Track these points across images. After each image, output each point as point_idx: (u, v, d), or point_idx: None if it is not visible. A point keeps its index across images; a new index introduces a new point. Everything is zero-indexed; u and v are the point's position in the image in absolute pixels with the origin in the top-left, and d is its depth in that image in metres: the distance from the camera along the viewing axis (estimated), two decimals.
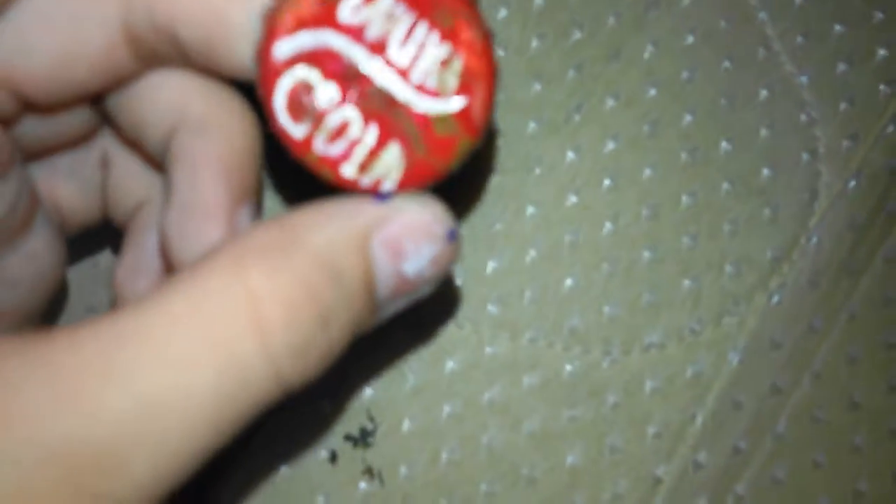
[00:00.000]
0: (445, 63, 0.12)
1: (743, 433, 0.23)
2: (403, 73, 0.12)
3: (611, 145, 0.24)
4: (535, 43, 0.25)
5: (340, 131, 0.13)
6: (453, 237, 0.14)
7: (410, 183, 0.13)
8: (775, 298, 0.24)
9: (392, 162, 0.13)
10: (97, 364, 0.11)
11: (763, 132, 0.25)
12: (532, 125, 0.24)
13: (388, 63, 0.12)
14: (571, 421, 0.23)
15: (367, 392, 0.23)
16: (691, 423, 0.23)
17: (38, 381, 0.11)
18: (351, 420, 0.22)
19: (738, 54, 0.25)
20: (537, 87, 0.25)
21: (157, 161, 0.16)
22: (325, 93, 0.12)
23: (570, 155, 0.24)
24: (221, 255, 0.12)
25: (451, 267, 0.14)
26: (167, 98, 0.15)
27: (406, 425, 0.23)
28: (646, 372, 0.23)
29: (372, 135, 0.13)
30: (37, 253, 0.16)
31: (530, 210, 0.24)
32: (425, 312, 0.23)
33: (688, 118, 0.25)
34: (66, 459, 0.11)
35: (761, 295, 0.24)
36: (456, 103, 0.13)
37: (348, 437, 0.22)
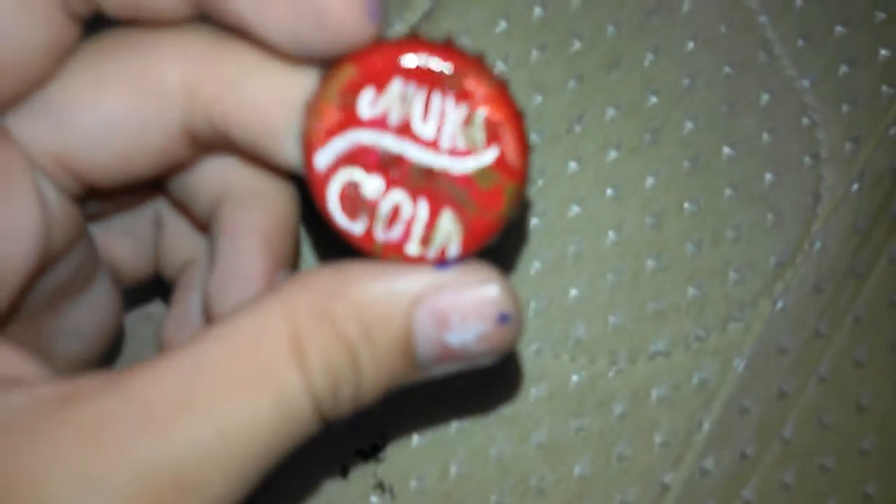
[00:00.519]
0: (468, 121, 0.13)
1: (750, 438, 0.23)
2: (433, 144, 0.13)
3: (612, 154, 0.25)
4: (535, 54, 0.25)
5: (394, 216, 0.14)
6: (505, 320, 0.14)
7: (474, 242, 0.14)
8: (780, 304, 0.24)
9: (449, 228, 0.14)
10: (177, 395, 0.13)
11: (765, 137, 0.25)
12: (533, 137, 0.25)
13: (417, 140, 0.13)
14: (579, 431, 0.23)
15: (378, 408, 0.23)
16: (698, 429, 0.23)
17: (128, 413, 0.12)
18: (362, 435, 0.23)
19: (738, 59, 0.26)
20: (538, 98, 0.25)
21: (204, 225, 0.17)
22: (371, 185, 0.13)
23: (573, 165, 0.25)
24: (279, 294, 0.13)
25: (509, 345, 0.15)
26: (214, 174, 0.16)
27: (416, 440, 0.23)
28: (652, 380, 0.24)
29: (423, 209, 0.13)
30: (98, 305, 0.18)
31: (534, 221, 0.24)
32: None
33: (689, 125, 0.25)
34: (155, 482, 0.12)
35: (766, 301, 0.24)
36: (490, 155, 0.13)
37: (359, 452, 0.23)
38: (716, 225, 0.24)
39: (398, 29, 0.25)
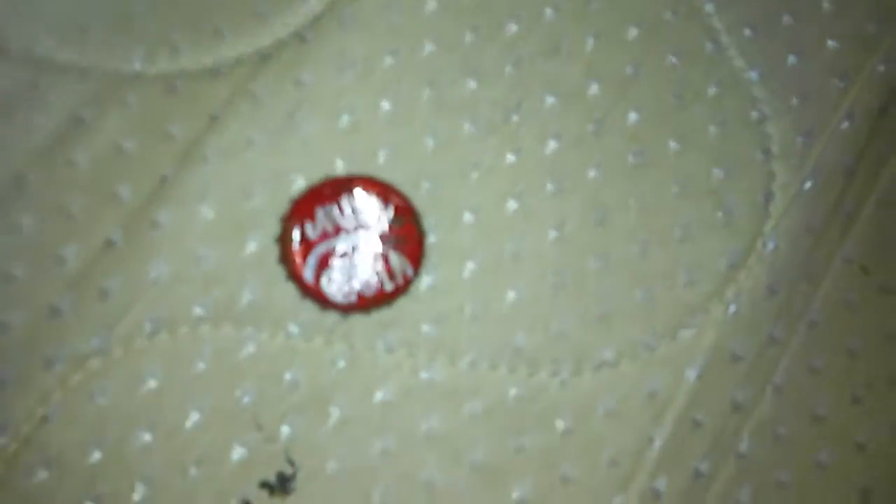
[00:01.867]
0: (366, 202, 0.21)
1: (704, 455, 0.22)
2: (358, 227, 0.21)
3: (553, 146, 0.23)
4: (468, 37, 0.23)
5: (367, 278, 0.21)
6: None
7: (417, 260, 0.21)
8: (732, 308, 0.23)
9: (398, 262, 0.21)
10: None
11: (713, 130, 0.24)
12: (467, 126, 0.23)
13: (349, 232, 0.21)
14: (518, 451, 0.21)
15: (285, 430, 0.20)
16: (648, 446, 0.22)
17: None
18: (267, 464, 0.20)
19: (684, 48, 0.24)
20: (472, 84, 0.23)
21: None
22: (343, 271, 0.21)
23: (510, 157, 0.23)
24: None
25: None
26: None
27: (331, 466, 0.20)
28: (598, 393, 0.22)
29: (378, 263, 0.21)
30: None
31: (467, 218, 0.22)
32: (351, 334, 0.21)
33: (633, 116, 0.24)
34: None
35: (718, 305, 0.23)
36: (391, 208, 0.21)
37: (264, 485, 0.20)
38: (663, 223, 0.23)
39: (311, 4, 0.23)
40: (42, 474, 0.19)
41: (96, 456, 0.19)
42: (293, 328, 0.21)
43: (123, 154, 0.20)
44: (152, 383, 0.20)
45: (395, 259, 0.21)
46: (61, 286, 0.20)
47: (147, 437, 0.19)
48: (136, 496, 0.19)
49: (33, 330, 0.19)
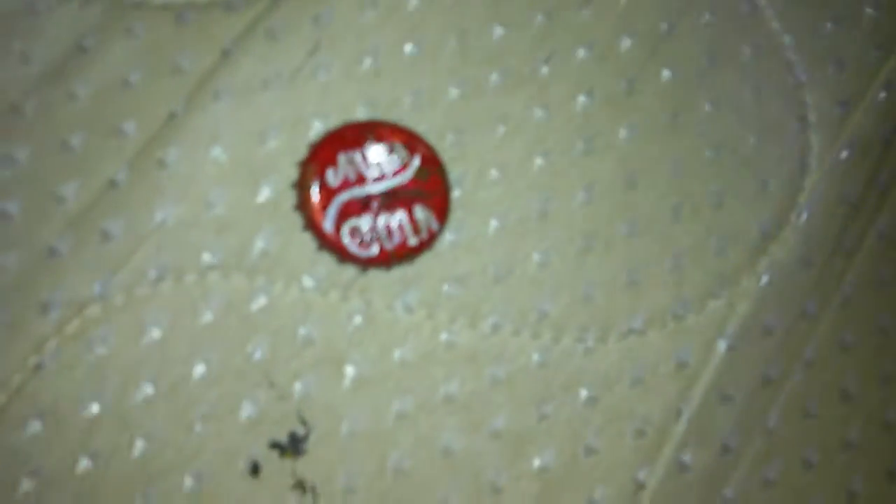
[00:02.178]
0: (391, 150, 0.20)
1: (732, 430, 0.21)
2: (383, 176, 0.19)
3: (583, 102, 0.22)
4: None
5: (389, 230, 0.19)
6: None
7: (442, 214, 0.20)
8: (765, 279, 0.22)
9: (423, 215, 0.20)
10: None
11: (747, 94, 0.23)
12: (495, 76, 0.22)
13: (371, 180, 0.19)
14: (541, 419, 0.20)
15: (298, 388, 0.19)
16: (676, 419, 0.21)
17: None
18: (278, 423, 0.19)
19: (720, 6, 0.23)
20: (500, 31, 0.22)
21: None
22: (365, 222, 0.19)
23: (538, 112, 0.22)
24: None
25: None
26: None
27: (346, 427, 0.19)
28: (624, 362, 0.21)
29: (402, 215, 0.19)
30: None
31: (493, 173, 0.21)
32: (369, 291, 0.20)
33: (666, 74, 0.23)
34: None
35: (750, 276, 0.22)
36: (416, 159, 0.20)
37: (275, 445, 0.19)
38: (695, 189, 0.22)
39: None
40: (34, 427, 0.18)
41: (93, 409, 0.18)
42: (308, 281, 0.19)
43: (129, 87, 0.19)
44: (156, 333, 0.18)
45: (420, 212, 0.20)
46: (60, 226, 0.18)
47: (149, 389, 0.18)
48: (136, 452, 0.18)
49: (28, 272, 0.18)
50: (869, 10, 0.24)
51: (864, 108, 0.23)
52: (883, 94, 0.24)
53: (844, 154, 0.23)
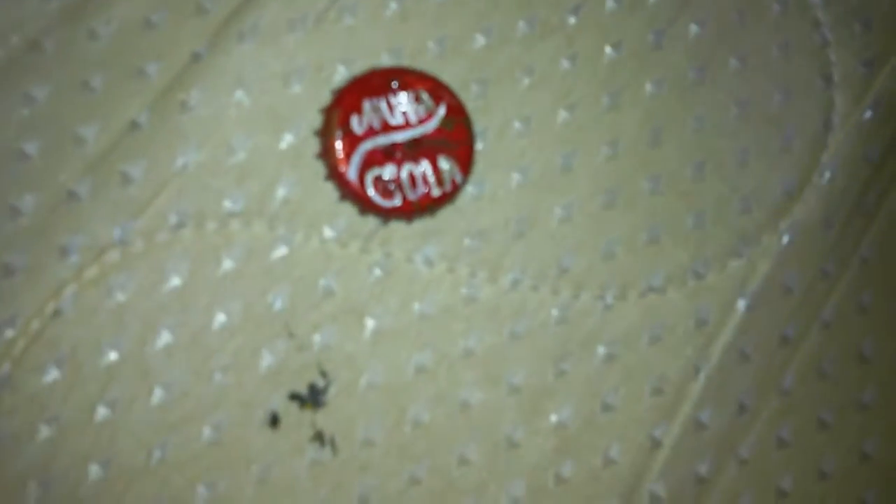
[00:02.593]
0: (418, 99, 0.19)
1: (749, 389, 0.21)
2: (407, 125, 0.19)
3: (610, 54, 0.22)
4: None
5: (413, 180, 0.19)
6: None
7: (467, 165, 0.20)
8: (786, 239, 0.22)
9: (448, 166, 0.19)
10: None
11: (775, 52, 0.23)
12: (522, 25, 0.21)
13: (396, 128, 0.19)
14: (559, 375, 0.20)
15: (317, 340, 0.19)
16: (694, 377, 0.21)
17: None
18: (297, 375, 0.19)
19: None
20: None
21: None
22: (388, 171, 0.19)
23: (564, 63, 0.22)
24: None
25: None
26: None
27: (365, 380, 0.19)
28: (643, 320, 0.21)
29: (426, 165, 0.19)
30: None
31: (516, 126, 0.21)
32: (389, 243, 0.20)
33: (694, 29, 0.23)
34: None
35: (771, 235, 0.22)
36: (442, 108, 0.20)
37: (294, 396, 0.19)
38: (720, 147, 0.22)
39: None
40: (52, 374, 0.18)
41: (112, 356, 0.18)
42: (328, 231, 0.19)
43: (151, 27, 0.19)
44: (176, 281, 0.18)
45: (445, 163, 0.19)
46: (79, 169, 0.18)
47: (168, 338, 0.18)
48: (154, 401, 0.18)
49: (47, 215, 0.18)
50: None
51: (890, 68, 0.23)
52: None
53: (868, 114, 0.23)
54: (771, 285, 0.22)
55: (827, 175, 0.23)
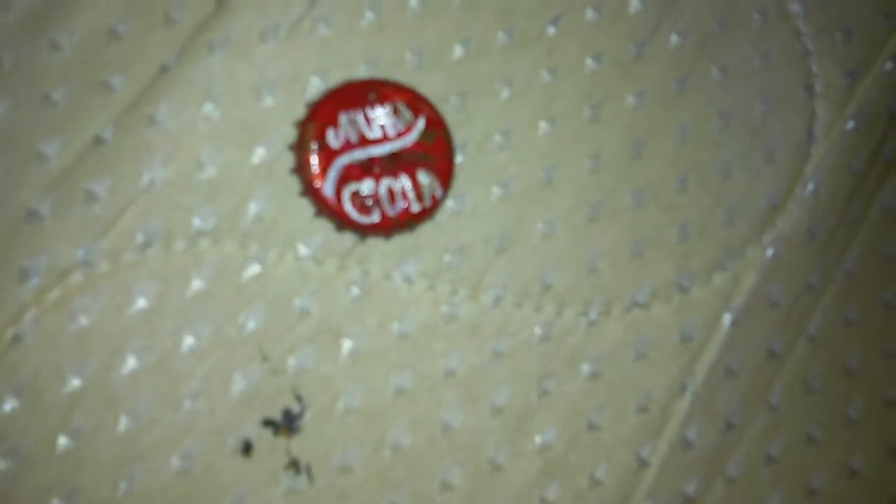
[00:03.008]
0: (396, 112, 0.19)
1: (736, 406, 0.21)
2: (385, 138, 0.19)
3: (591, 66, 0.22)
4: None
5: (392, 195, 0.19)
6: None
7: (446, 179, 0.19)
8: (770, 252, 0.22)
9: (427, 180, 0.19)
10: None
11: (756, 62, 0.23)
12: (501, 36, 0.21)
13: (374, 142, 0.19)
14: (543, 395, 0.20)
15: (292, 362, 0.19)
16: (680, 394, 0.21)
17: None
18: (271, 400, 0.18)
19: None
20: None
21: None
22: (366, 186, 0.19)
23: (545, 75, 0.21)
24: None
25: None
26: None
27: (342, 403, 0.19)
28: (628, 336, 0.21)
29: (405, 179, 0.19)
30: None
31: (497, 139, 0.21)
32: (367, 260, 0.19)
33: (675, 39, 0.22)
34: None
35: (755, 248, 0.22)
36: (421, 121, 0.19)
37: (268, 423, 0.18)
38: (703, 158, 0.22)
39: None
40: (11, 403, 0.17)
41: (75, 383, 0.17)
42: (303, 249, 0.19)
43: (117, 38, 0.18)
44: (142, 303, 0.18)
45: (424, 177, 0.19)
46: (41, 187, 0.17)
47: (134, 363, 0.18)
48: (120, 430, 0.17)
49: (7, 236, 0.17)
50: None
51: (871, 78, 0.24)
52: (890, 65, 0.24)
53: (850, 125, 0.23)
54: (756, 299, 0.22)
55: (810, 186, 0.23)
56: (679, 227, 0.22)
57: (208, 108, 0.19)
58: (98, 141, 0.18)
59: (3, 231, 0.17)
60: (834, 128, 0.23)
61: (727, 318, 0.21)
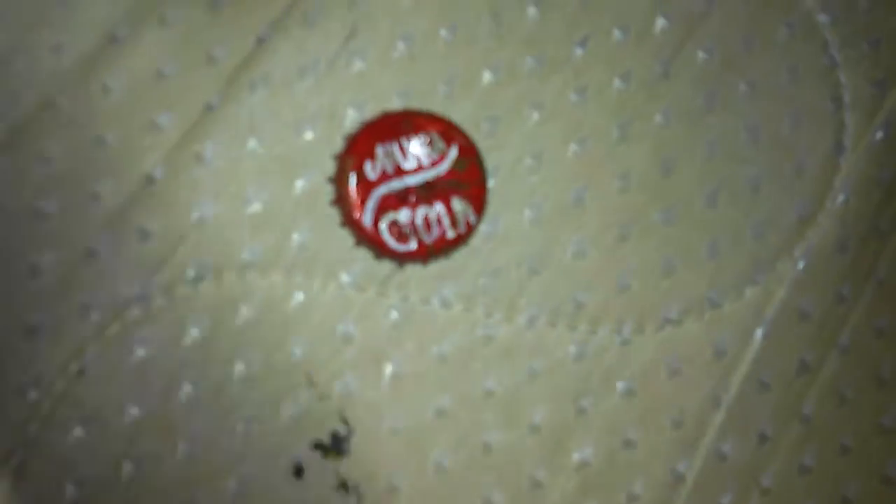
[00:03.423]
0: (430, 143, 0.22)
1: (769, 418, 0.24)
2: (420, 168, 0.22)
3: (619, 86, 0.25)
4: None
5: (427, 223, 0.22)
6: None
7: (480, 206, 0.23)
8: (801, 264, 0.25)
9: (461, 207, 0.22)
10: None
11: (784, 75, 0.26)
12: (529, 60, 0.24)
13: (409, 172, 0.22)
14: (580, 413, 0.23)
15: (338, 387, 0.22)
16: (714, 409, 0.24)
17: None
18: (320, 423, 0.22)
19: None
20: (534, 12, 0.24)
21: None
22: (403, 215, 0.22)
23: (573, 97, 0.24)
24: None
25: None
26: None
27: (387, 425, 0.22)
28: (662, 353, 0.24)
29: (440, 207, 0.22)
30: None
31: (528, 162, 0.24)
32: (406, 286, 0.23)
33: (702, 56, 0.25)
34: None
35: (786, 261, 0.25)
36: (454, 150, 0.23)
37: (317, 446, 0.22)
38: (732, 173, 0.25)
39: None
40: (78, 432, 0.20)
41: (135, 412, 0.20)
42: (345, 277, 0.22)
43: (163, 79, 0.21)
44: (196, 333, 0.21)
45: (458, 204, 0.22)
46: (97, 225, 0.20)
47: (190, 391, 0.21)
48: (180, 456, 0.21)
49: (67, 273, 0.20)
50: None
51: None
52: None
53: (879, 135, 0.26)
54: (788, 312, 0.25)
55: (840, 198, 0.26)
56: (709, 243, 0.25)
57: (252, 144, 0.22)
58: (149, 180, 0.21)
59: (64, 269, 0.20)
60: (863, 139, 0.26)
61: (759, 332, 0.24)
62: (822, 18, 0.26)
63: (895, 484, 0.25)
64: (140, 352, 0.21)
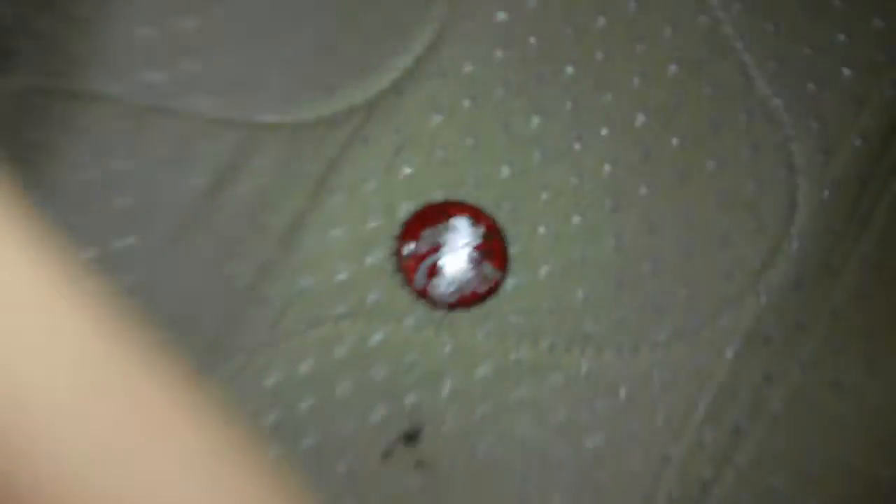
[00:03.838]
0: (464, 224, 0.37)
1: (741, 415, 0.35)
2: (458, 243, 0.36)
3: (609, 169, 0.37)
4: (532, 81, 0.38)
5: (466, 281, 0.35)
6: None
7: (505, 263, 0.35)
8: (764, 299, 0.36)
9: (489, 269, 0.35)
10: None
11: (745, 152, 0.38)
12: (537, 155, 0.37)
13: (449, 248, 0.36)
14: (591, 413, 0.35)
15: (410, 399, 0.35)
16: (695, 409, 0.35)
17: None
18: (399, 423, 0.34)
19: (718, 81, 0.38)
20: (537, 120, 0.37)
21: None
22: (448, 278, 0.35)
23: (573, 180, 0.37)
24: None
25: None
26: None
27: (446, 427, 0.34)
28: (653, 368, 0.36)
29: (474, 271, 0.35)
30: None
31: (541, 230, 0.36)
32: (455, 326, 0.35)
33: (676, 141, 0.38)
34: None
35: (751, 297, 0.36)
36: (482, 228, 0.36)
37: (399, 438, 0.34)
38: (705, 232, 0.37)
39: (403, 60, 0.37)
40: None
41: (271, 419, 0.34)
42: (409, 321, 0.35)
43: (269, 190, 0.35)
44: (307, 366, 0.34)
45: (487, 268, 0.35)
46: (236, 295, 0.34)
47: (310, 403, 0.34)
48: (305, 444, 0.34)
49: (217, 329, 0.34)
50: (846, 70, 0.39)
51: (843, 154, 0.38)
52: (859, 142, 0.38)
53: (827, 193, 0.37)
54: (753, 336, 0.36)
55: (795, 245, 0.37)
56: (689, 285, 0.36)
57: (335, 232, 0.35)
58: (268, 262, 0.35)
59: (214, 326, 0.34)
60: (814, 196, 0.37)
61: (730, 351, 0.36)
62: (776, 102, 0.38)
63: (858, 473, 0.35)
64: (267, 381, 0.34)
